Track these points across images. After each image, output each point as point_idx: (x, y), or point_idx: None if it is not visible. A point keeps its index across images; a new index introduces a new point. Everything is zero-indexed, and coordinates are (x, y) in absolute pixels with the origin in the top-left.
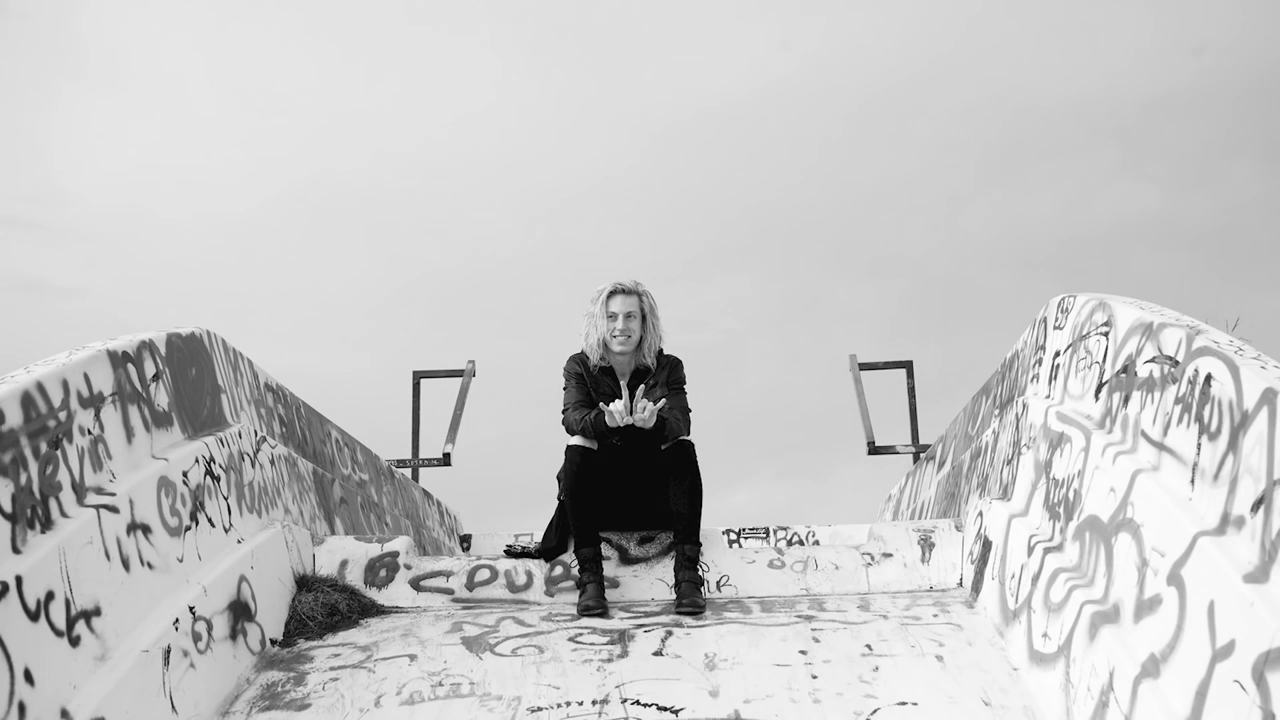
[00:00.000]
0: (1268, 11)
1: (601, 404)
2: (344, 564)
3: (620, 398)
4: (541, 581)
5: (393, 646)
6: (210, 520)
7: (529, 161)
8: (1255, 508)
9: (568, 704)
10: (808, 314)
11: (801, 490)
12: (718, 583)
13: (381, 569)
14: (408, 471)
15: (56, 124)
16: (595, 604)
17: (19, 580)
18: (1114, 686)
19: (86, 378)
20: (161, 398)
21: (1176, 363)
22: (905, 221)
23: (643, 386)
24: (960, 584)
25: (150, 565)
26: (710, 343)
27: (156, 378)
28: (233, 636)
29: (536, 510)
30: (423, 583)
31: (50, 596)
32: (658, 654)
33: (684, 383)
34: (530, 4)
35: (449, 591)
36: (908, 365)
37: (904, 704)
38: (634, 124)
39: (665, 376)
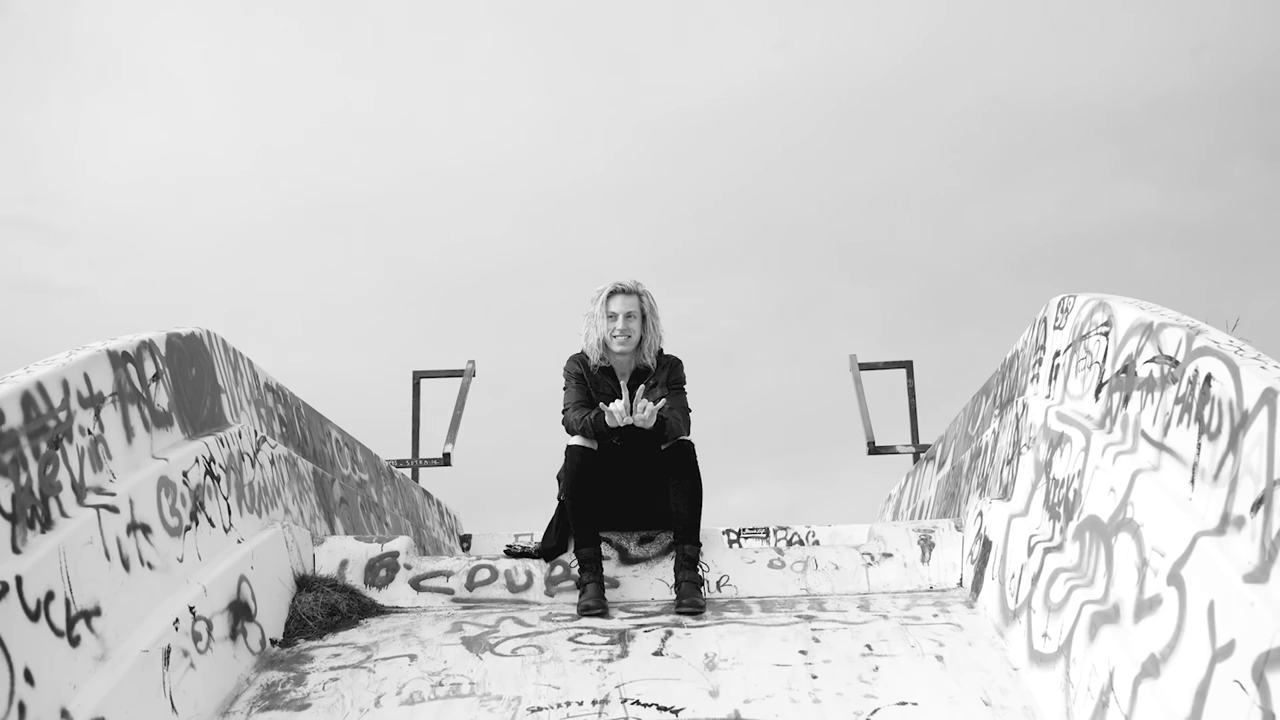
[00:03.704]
0: (1267, 12)
1: (601, 404)
2: (344, 564)
3: (620, 398)
4: (541, 581)
5: (393, 646)
6: (210, 520)
7: (528, 161)
8: (1255, 508)
9: (568, 704)
10: (808, 314)
11: (801, 490)
12: (718, 583)
13: (381, 569)
14: (408, 471)
15: (56, 124)
16: (595, 604)
17: (19, 580)
18: (1114, 686)
19: (86, 378)
20: (161, 398)
21: (1176, 363)
22: (905, 221)
23: (643, 386)
24: (960, 584)
25: (150, 565)
26: (710, 343)
27: (156, 378)
28: (233, 636)
29: (536, 510)
30: (423, 583)
31: (50, 596)
32: (658, 654)
33: (684, 383)
34: (528, 3)
35: (449, 591)
36: (908, 365)
37: (904, 704)
38: (633, 123)
39: (665, 376)
